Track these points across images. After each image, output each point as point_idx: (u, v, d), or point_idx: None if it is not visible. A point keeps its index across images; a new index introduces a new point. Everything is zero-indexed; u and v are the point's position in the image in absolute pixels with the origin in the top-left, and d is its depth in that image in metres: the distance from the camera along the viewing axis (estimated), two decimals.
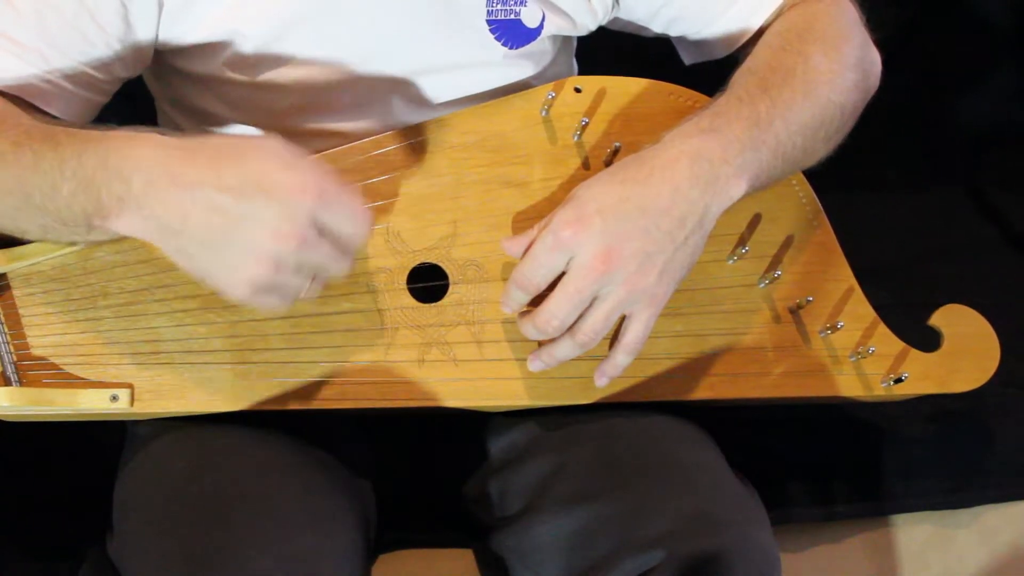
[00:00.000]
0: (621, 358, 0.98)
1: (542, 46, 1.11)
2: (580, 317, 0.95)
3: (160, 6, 0.98)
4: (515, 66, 1.10)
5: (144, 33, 0.99)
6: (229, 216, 0.82)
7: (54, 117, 0.97)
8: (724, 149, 0.95)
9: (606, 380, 0.99)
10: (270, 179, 0.82)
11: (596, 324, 0.94)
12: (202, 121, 1.10)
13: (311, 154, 0.92)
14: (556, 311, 0.93)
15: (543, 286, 0.94)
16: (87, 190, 0.85)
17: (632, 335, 0.96)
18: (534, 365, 0.99)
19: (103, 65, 0.98)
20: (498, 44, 1.07)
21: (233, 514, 0.93)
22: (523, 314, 0.97)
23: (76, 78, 0.97)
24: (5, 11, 0.93)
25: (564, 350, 0.97)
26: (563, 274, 0.94)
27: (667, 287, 0.95)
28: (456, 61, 1.07)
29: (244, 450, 0.99)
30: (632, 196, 0.92)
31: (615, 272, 0.92)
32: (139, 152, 0.85)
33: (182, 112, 1.12)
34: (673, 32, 1.15)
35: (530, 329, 0.96)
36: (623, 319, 0.97)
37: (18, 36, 0.94)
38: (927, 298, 1.14)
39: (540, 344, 0.99)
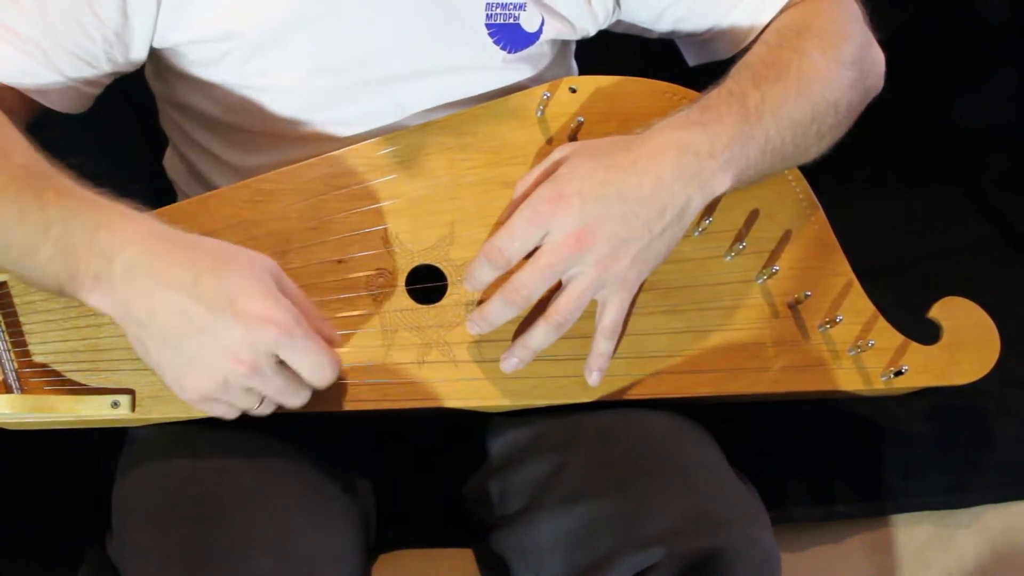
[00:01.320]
0: (602, 344, 0.98)
1: (541, 49, 1.11)
2: (552, 299, 0.95)
3: (157, 6, 0.98)
4: (514, 69, 1.10)
5: (141, 27, 0.99)
6: (193, 325, 0.83)
7: (45, 111, 0.98)
8: (711, 143, 0.95)
9: (597, 375, 0.99)
10: (244, 302, 0.83)
11: (569, 304, 0.95)
12: (202, 123, 1.10)
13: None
14: (526, 281, 0.94)
15: (514, 261, 0.95)
16: (66, 258, 0.86)
17: (608, 319, 0.97)
18: (508, 363, 0.98)
19: (99, 58, 0.99)
20: (497, 48, 1.07)
21: (232, 515, 0.94)
22: (485, 302, 0.97)
23: (72, 70, 0.98)
24: (5, 3, 0.94)
25: (538, 336, 0.96)
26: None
27: (639, 274, 0.96)
28: (455, 65, 1.07)
29: (243, 451, 0.99)
30: (614, 181, 0.93)
31: (587, 253, 0.92)
32: (128, 236, 0.85)
33: (183, 113, 1.12)
34: (677, 34, 1.15)
35: (496, 302, 0.95)
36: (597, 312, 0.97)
37: (17, 27, 0.95)
38: (926, 298, 1.13)
39: (513, 341, 0.99)
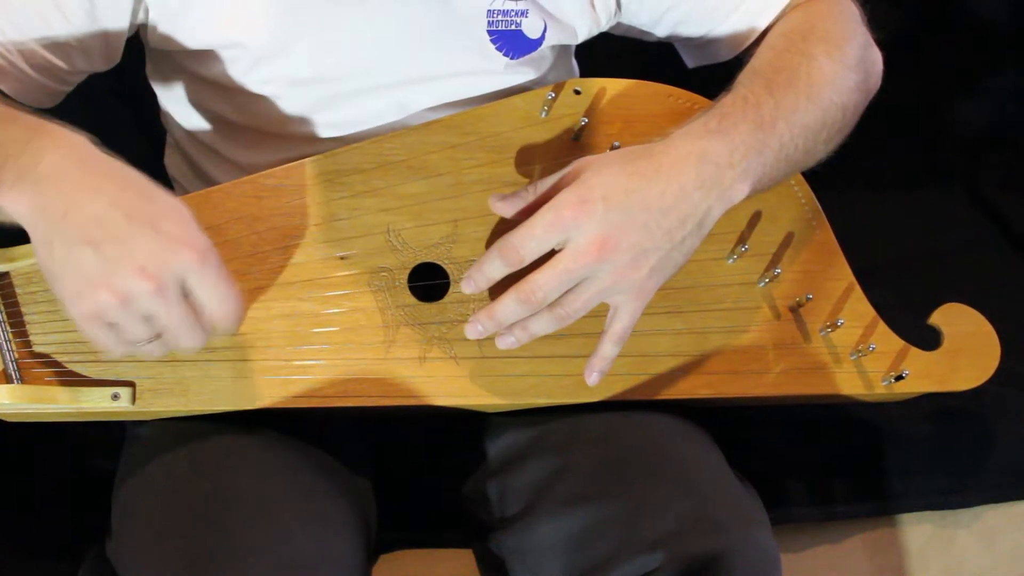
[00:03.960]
0: (608, 348, 0.97)
1: (542, 53, 1.11)
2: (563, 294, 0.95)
3: (135, 12, 0.98)
4: (516, 73, 1.10)
5: (113, 33, 0.99)
6: (108, 230, 0.81)
7: (8, 98, 0.97)
8: (730, 152, 0.95)
9: (597, 375, 0.98)
10: (166, 223, 0.82)
11: (578, 302, 0.94)
12: (206, 121, 1.10)
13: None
14: (543, 284, 0.92)
15: (527, 261, 0.93)
16: None
17: (619, 324, 0.96)
18: (505, 341, 0.96)
19: (63, 53, 0.98)
20: (499, 54, 1.07)
21: (232, 518, 0.93)
22: (498, 298, 0.96)
23: (33, 60, 0.97)
24: None
25: (541, 322, 0.95)
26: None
27: (656, 283, 0.95)
28: (457, 70, 1.07)
29: (244, 453, 0.99)
30: (638, 190, 0.92)
31: (607, 261, 0.92)
32: (64, 142, 0.84)
33: (186, 111, 1.12)
34: (677, 36, 1.15)
35: (510, 299, 0.94)
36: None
37: None
38: (927, 298, 1.14)
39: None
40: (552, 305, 0.95)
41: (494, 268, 0.95)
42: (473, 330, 0.96)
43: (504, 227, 1.01)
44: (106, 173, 0.83)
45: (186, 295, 0.83)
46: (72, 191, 0.82)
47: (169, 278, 0.82)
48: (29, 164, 0.83)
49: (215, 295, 0.84)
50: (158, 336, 0.86)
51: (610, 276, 0.93)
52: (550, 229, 0.92)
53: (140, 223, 0.81)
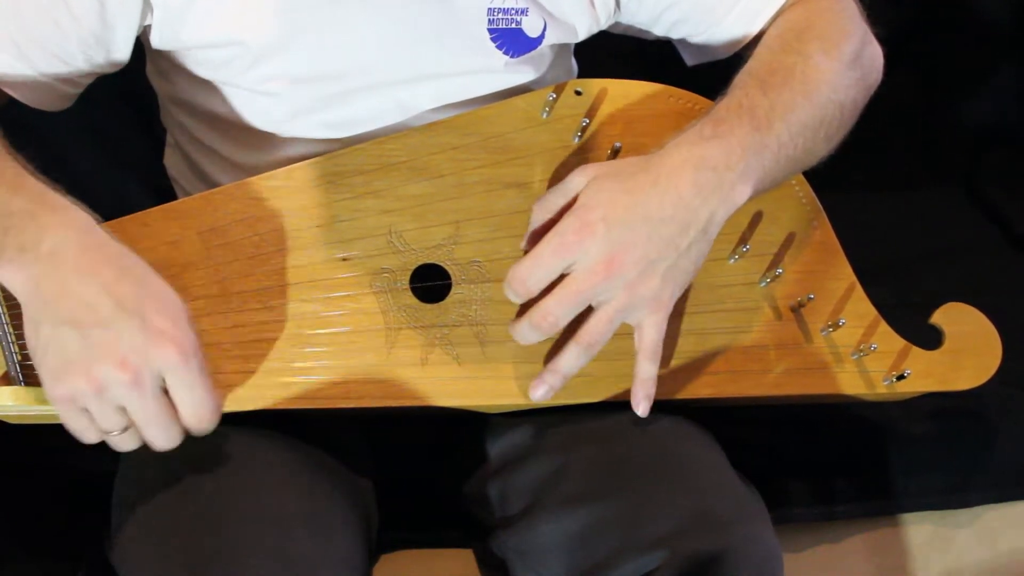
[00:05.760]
0: (645, 368, 0.97)
1: (542, 51, 1.11)
2: (582, 321, 0.95)
3: (143, 13, 0.98)
4: (516, 72, 1.10)
5: (122, 34, 0.99)
6: (96, 315, 0.82)
7: (17, 104, 0.97)
8: (727, 156, 0.95)
9: (645, 404, 0.98)
10: (155, 316, 0.82)
11: (599, 326, 0.94)
12: (206, 121, 1.10)
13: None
14: (553, 308, 0.93)
15: (535, 292, 0.94)
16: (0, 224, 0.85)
17: (648, 340, 0.96)
18: (538, 392, 0.97)
19: (75, 58, 0.98)
20: (499, 53, 1.07)
21: (233, 518, 0.93)
22: (513, 321, 0.98)
23: (46, 67, 0.97)
24: None
25: (569, 359, 0.96)
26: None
27: (671, 291, 0.96)
28: (457, 69, 1.07)
29: (244, 453, 0.99)
30: (637, 205, 0.93)
31: (616, 278, 0.92)
32: (68, 221, 0.84)
33: (187, 111, 1.12)
34: (676, 35, 1.15)
35: (524, 326, 0.95)
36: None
37: None
38: (927, 298, 1.14)
39: (545, 364, 0.99)
40: (577, 337, 0.95)
41: (509, 297, 0.96)
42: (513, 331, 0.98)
43: (504, 229, 1.02)
44: (105, 258, 0.84)
45: (164, 391, 0.84)
46: (68, 273, 0.83)
47: (147, 372, 0.82)
48: (31, 241, 0.83)
49: (192, 397, 0.84)
50: (128, 428, 0.86)
51: (623, 294, 0.93)
52: (555, 256, 0.93)
53: (129, 312, 0.82)
